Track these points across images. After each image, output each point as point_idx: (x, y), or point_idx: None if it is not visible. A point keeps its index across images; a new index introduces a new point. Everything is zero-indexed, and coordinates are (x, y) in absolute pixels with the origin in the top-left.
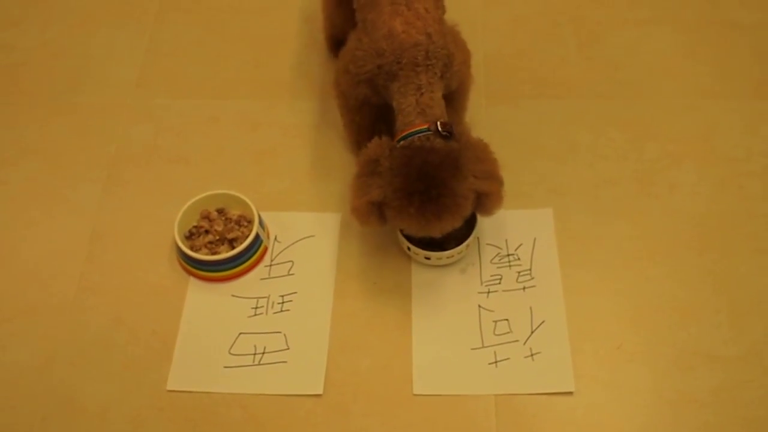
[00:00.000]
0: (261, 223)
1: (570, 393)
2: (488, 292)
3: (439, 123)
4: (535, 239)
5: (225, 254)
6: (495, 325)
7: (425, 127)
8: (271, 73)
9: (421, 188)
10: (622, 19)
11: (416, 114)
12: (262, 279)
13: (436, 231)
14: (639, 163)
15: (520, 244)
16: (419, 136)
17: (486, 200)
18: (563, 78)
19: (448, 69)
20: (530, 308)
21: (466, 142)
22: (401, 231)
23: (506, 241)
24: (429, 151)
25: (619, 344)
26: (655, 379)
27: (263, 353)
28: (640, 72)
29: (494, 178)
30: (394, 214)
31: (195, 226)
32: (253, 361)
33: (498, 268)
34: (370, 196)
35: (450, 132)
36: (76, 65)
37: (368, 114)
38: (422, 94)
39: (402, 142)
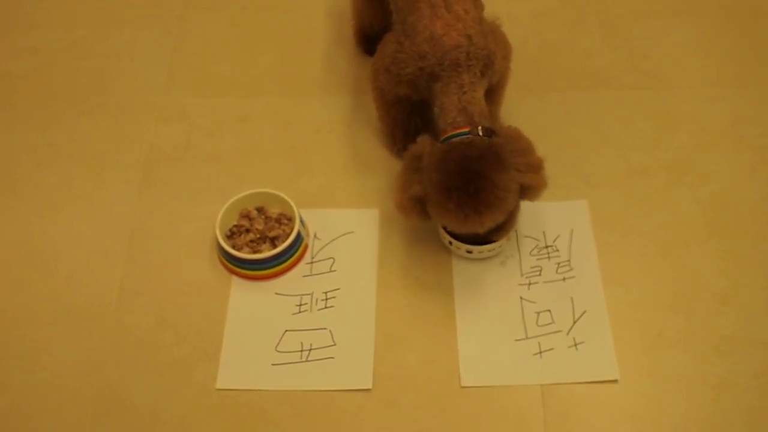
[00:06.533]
0: (301, 220)
1: (615, 381)
2: (529, 284)
3: (481, 128)
4: (572, 230)
5: (268, 252)
6: (537, 316)
7: (466, 130)
8: (299, 70)
9: (460, 183)
10: (645, 10)
11: (458, 111)
12: (304, 276)
13: (477, 227)
14: (669, 152)
15: (558, 236)
16: (461, 138)
17: (529, 192)
18: (590, 69)
19: (489, 68)
20: (571, 299)
21: (506, 135)
22: (443, 226)
23: (544, 233)
24: (468, 146)
25: (660, 331)
26: (696, 364)
27: (310, 350)
28: (666, 62)
29: (537, 170)
30: (435, 210)
31: (236, 225)
32: (301, 358)
33: (537, 260)
34: (411, 191)
35: (491, 135)
36: (103, 66)
37: (404, 108)
38: (464, 93)
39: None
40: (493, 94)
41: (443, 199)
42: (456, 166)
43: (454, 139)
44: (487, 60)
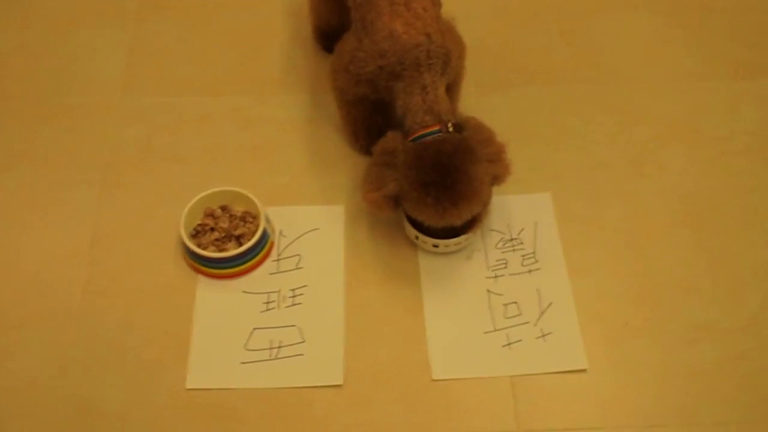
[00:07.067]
0: (266, 218)
1: (583, 370)
2: (495, 277)
3: (450, 125)
4: (536, 223)
5: (234, 251)
6: (505, 309)
7: (437, 128)
8: (259, 69)
9: (437, 178)
10: (600, 6)
11: (424, 112)
12: (271, 274)
13: (455, 219)
14: (629, 145)
15: (522, 229)
16: (433, 136)
17: (497, 179)
18: (549, 65)
19: (447, 65)
20: (537, 290)
21: (473, 127)
22: (409, 220)
23: (508, 226)
24: (441, 142)
25: (626, 321)
26: (662, 353)
27: (279, 347)
28: (622, 56)
29: (503, 158)
30: (411, 206)
31: (200, 224)
32: (270, 356)
33: (503, 252)
34: (386, 190)
35: (460, 130)
36: (59, 67)
37: (365, 107)
38: (427, 92)
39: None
40: (449, 92)
41: (421, 195)
42: (431, 162)
43: (426, 138)
44: (446, 58)
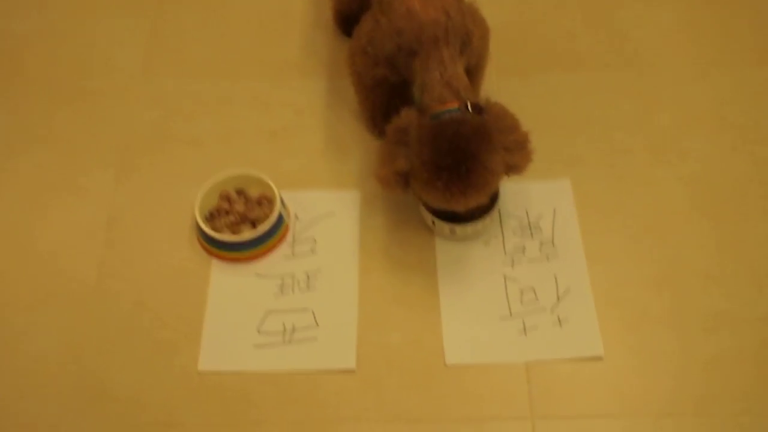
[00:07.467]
0: (282, 202)
1: (599, 358)
2: (512, 263)
3: (469, 104)
4: (554, 209)
5: (249, 234)
6: (521, 295)
7: (455, 106)
8: (278, 53)
9: (451, 163)
10: None
11: (442, 86)
12: (285, 257)
13: (460, 206)
14: (651, 132)
15: (541, 215)
16: (451, 115)
17: (516, 169)
18: (572, 51)
19: (467, 46)
20: (555, 277)
21: (495, 113)
22: (425, 205)
23: (527, 212)
24: (460, 123)
25: (645, 309)
26: (681, 342)
27: (293, 331)
28: (646, 43)
29: (524, 148)
30: (420, 186)
31: (215, 208)
32: (283, 339)
33: (521, 238)
34: (396, 166)
35: (480, 111)
36: (79, 50)
37: (383, 91)
38: (446, 68)
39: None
40: (471, 76)
41: (432, 177)
42: (448, 145)
43: (445, 116)
44: (466, 38)
